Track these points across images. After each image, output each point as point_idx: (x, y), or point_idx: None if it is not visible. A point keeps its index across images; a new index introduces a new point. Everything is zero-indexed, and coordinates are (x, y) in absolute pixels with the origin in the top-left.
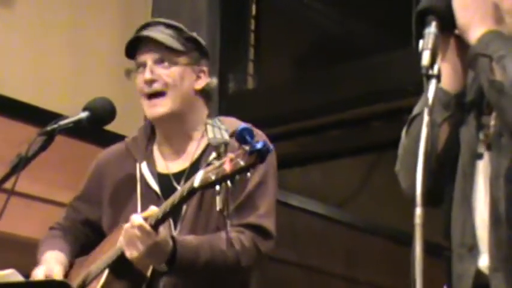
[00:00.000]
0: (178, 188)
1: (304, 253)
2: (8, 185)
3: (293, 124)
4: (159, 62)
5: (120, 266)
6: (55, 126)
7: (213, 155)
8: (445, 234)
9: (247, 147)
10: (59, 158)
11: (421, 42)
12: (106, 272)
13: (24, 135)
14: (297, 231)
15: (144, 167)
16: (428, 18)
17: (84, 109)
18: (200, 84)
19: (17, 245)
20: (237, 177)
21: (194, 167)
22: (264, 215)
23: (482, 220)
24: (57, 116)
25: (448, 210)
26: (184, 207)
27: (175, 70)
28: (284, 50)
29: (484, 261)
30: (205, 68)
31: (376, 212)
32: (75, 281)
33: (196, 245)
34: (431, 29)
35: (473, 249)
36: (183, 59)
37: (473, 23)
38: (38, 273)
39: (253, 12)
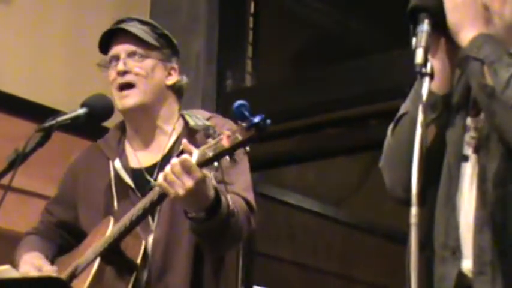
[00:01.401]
0: (150, 179)
1: (300, 251)
2: (4, 180)
3: (291, 122)
4: (131, 54)
5: (111, 254)
6: (53, 122)
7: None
8: (426, 235)
9: (244, 123)
10: (56, 154)
11: (413, 39)
12: (97, 260)
13: (22, 131)
14: (293, 229)
15: (117, 163)
16: (421, 16)
17: (82, 105)
18: (171, 80)
19: (13, 240)
20: (236, 152)
21: (165, 160)
22: (245, 189)
23: (466, 223)
24: (54, 112)
25: (430, 211)
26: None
27: (148, 63)
28: (282, 48)
29: (467, 264)
30: (176, 66)
31: (372, 210)
32: (63, 275)
33: (230, 203)
34: (425, 27)
35: (456, 252)
36: (155, 54)
37: (465, 24)
38: (29, 271)
39: (252, 10)
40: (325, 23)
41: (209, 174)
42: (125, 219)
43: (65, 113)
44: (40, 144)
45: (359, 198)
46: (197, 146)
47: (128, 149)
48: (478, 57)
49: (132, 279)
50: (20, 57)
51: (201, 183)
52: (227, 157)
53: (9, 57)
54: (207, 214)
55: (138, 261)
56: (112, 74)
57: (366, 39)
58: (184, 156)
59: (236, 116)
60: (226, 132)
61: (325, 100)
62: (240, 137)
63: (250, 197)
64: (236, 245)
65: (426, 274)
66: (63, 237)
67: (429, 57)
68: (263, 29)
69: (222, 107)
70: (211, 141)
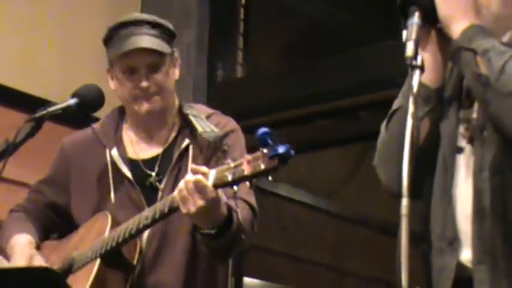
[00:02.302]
0: (151, 173)
1: (291, 243)
2: None
3: (281, 113)
4: (150, 67)
5: (111, 256)
6: (43, 112)
7: (186, 141)
8: (423, 227)
9: (267, 150)
10: (48, 145)
11: (404, 32)
12: (97, 262)
13: (12, 121)
14: (284, 221)
15: (114, 153)
16: (412, 8)
17: (73, 96)
18: (177, 74)
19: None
20: (254, 180)
21: (167, 153)
22: (249, 192)
23: (464, 213)
24: (45, 103)
25: (426, 203)
26: (160, 193)
27: (165, 71)
28: (273, 40)
29: (466, 255)
30: (177, 55)
31: (363, 202)
32: (55, 265)
33: (240, 219)
34: (415, 20)
35: (453, 243)
36: (168, 58)
37: (456, 16)
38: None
39: (243, 1)
40: (317, 14)
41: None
42: (130, 225)
43: (56, 104)
44: (31, 134)
45: (350, 190)
46: (194, 142)
47: (126, 139)
48: (471, 47)
49: (130, 280)
50: (11, 48)
51: (213, 203)
52: (247, 183)
53: (0, 47)
54: (218, 231)
55: (135, 262)
56: (129, 85)
57: (357, 30)
58: (198, 177)
59: (259, 143)
60: (248, 157)
61: (316, 91)
62: (262, 166)
63: (253, 200)
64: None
65: (424, 267)
66: (51, 218)
67: (420, 50)
68: (254, 20)
69: (213, 97)
70: (230, 164)
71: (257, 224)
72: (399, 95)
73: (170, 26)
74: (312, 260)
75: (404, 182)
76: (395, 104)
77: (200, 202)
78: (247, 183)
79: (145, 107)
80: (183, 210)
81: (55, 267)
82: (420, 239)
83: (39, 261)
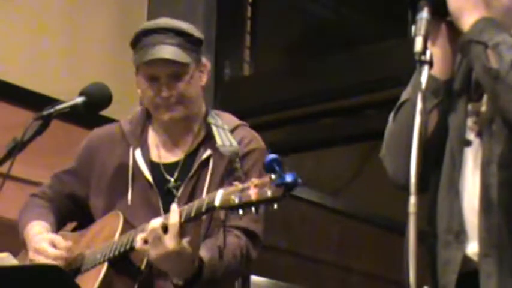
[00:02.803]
0: (170, 179)
1: (297, 241)
2: (3, 169)
3: (288, 111)
4: (171, 76)
5: (118, 260)
6: (51, 110)
7: (208, 152)
8: (429, 220)
9: (274, 177)
10: (55, 143)
11: (413, 27)
12: (105, 266)
13: (20, 119)
14: (290, 219)
15: (138, 153)
16: (421, 3)
17: (80, 94)
18: (204, 79)
19: (11, 229)
20: (261, 206)
21: (187, 161)
22: (256, 219)
23: (471, 206)
24: (53, 101)
25: (433, 196)
26: (176, 200)
27: (187, 80)
28: (280, 38)
29: (472, 248)
30: (204, 61)
31: (369, 200)
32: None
33: (214, 265)
34: (424, 15)
35: (460, 236)
36: (192, 66)
37: (466, 9)
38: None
39: None
40: (323, 12)
41: (191, 248)
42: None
43: (63, 102)
44: (38, 132)
45: (356, 188)
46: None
47: (151, 140)
48: (481, 40)
49: (136, 285)
50: (19, 47)
51: (175, 255)
52: (253, 209)
53: (8, 46)
54: (184, 283)
55: (143, 267)
56: (151, 92)
57: (364, 28)
58: (158, 224)
59: (267, 170)
60: (255, 181)
61: (323, 89)
62: (268, 193)
63: (260, 228)
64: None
65: (430, 260)
66: (70, 208)
67: (429, 44)
68: (261, 18)
69: (220, 96)
70: (238, 186)
71: (257, 250)
72: (408, 86)
73: (196, 32)
74: (318, 258)
75: (412, 179)
76: (404, 95)
77: (161, 250)
78: (253, 209)
79: (166, 115)
80: (151, 254)
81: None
82: (426, 237)
83: (59, 242)
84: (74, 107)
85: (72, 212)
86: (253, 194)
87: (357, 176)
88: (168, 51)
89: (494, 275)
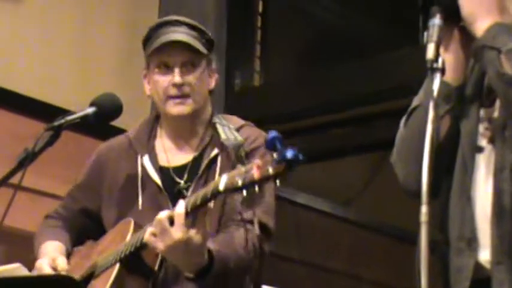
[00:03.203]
0: (179, 181)
1: (309, 251)
2: (14, 179)
3: (299, 121)
4: (185, 64)
5: (130, 260)
6: (62, 121)
7: (215, 150)
8: (441, 227)
9: (276, 155)
10: (66, 153)
11: (425, 34)
12: (117, 266)
13: (31, 130)
14: (301, 228)
15: (146, 160)
16: (433, 9)
17: (91, 105)
18: (212, 84)
19: (23, 239)
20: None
21: (196, 162)
22: (268, 211)
23: (483, 213)
24: (64, 112)
25: (445, 202)
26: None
27: (199, 72)
28: (291, 47)
29: (485, 255)
30: (215, 67)
31: (380, 210)
32: (79, 271)
33: (225, 257)
34: (436, 21)
35: (472, 243)
36: (204, 62)
37: (479, 14)
38: (43, 265)
39: (260, 9)
40: (333, 21)
41: (199, 238)
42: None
43: (74, 112)
44: (50, 143)
45: (367, 198)
46: (223, 153)
47: (158, 146)
48: (495, 46)
49: (150, 285)
50: (30, 57)
51: (182, 245)
52: (256, 188)
53: (19, 57)
54: (196, 276)
55: (156, 267)
56: (163, 81)
57: (374, 37)
58: (165, 216)
59: (268, 148)
60: (257, 162)
61: (334, 99)
62: (270, 171)
63: (272, 220)
64: (245, 276)
65: (442, 268)
66: (85, 224)
67: (441, 50)
68: (271, 28)
69: (231, 105)
70: (241, 169)
71: (269, 244)
72: (420, 92)
73: (209, 33)
74: (329, 267)
75: (423, 188)
76: (415, 101)
77: (168, 241)
78: (256, 188)
79: (175, 109)
80: (155, 247)
81: (78, 273)
82: (437, 246)
83: (62, 264)
84: (84, 118)
85: (87, 228)
86: (256, 173)
87: (368, 185)
88: (183, 36)
89: (506, 282)
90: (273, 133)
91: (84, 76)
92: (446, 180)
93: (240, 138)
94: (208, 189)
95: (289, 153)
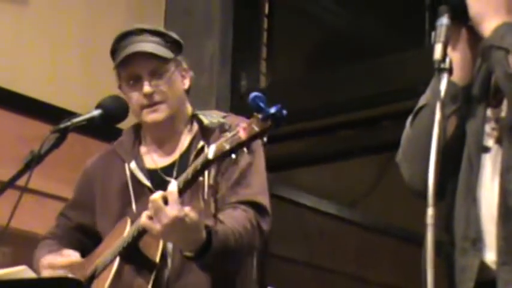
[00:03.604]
0: (171, 180)
1: (315, 253)
2: (21, 182)
3: (305, 123)
4: (153, 73)
5: (130, 253)
6: (68, 123)
7: (201, 143)
8: (446, 227)
9: (260, 114)
10: (72, 156)
11: (432, 34)
12: (117, 260)
13: (38, 132)
14: (307, 230)
15: (133, 165)
16: (441, 8)
17: (97, 107)
18: (186, 83)
19: (29, 242)
20: (253, 144)
21: (183, 158)
22: (259, 192)
23: (489, 214)
24: (70, 114)
25: (450, 203)
26: None
27: (168, 76)
28: (297, 49)
29: (490, 256)
30: (185, 66)
31: (387, 212)
32: (82, 272)
33: (224, 234)
34: (444, 21)
35: (476, 243)
36: (171, 65)
37: (487, 14)
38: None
39: (266, 10)
40: (339, 23)
41: (195, 214)
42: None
43: (80, 115)
44: (56, 145)
45: (374, 200)
46: (209, 143)
47: (143, 151)
48: (503, 45)
49: (152, 277)
50: (35, 59)
51: (178, 222)
52: (245, 149)
53: (24, 59)
54: (196, 255)
55: (157, 259)
56: (135, 94)
57: (380, 39)
58: (158, 196)
59: (252, 108)
60: (243, 124)
61: (340, 101)
62: (256, 128)
63: (265, 199)
64: (247, 256)
65: (447, 268)
66: (81, 240)
67: (449, 50)
68: (277, 29)
69: (237, 108)
70: (227, 135)
71: (268, 223)
72: (426, 91)
73: (174, 34)
74: (336, 269)
75: (429, 191)
76: (422, 101)
77: (164, 220)
78: (245, 149)
79: (150, 117)
80: (153, 229)
81: (81, 275)
82: (443, 247)
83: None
84: (91, 120)
85: (84, 244)
86: (242, 135)
87: (375, 187)
88: (145, 46)
89: None
90: (254, 93)
91: (91, 78)
92: (452, 181)
93: (222, 119)
94: (198, 161)
95: (273, 109)
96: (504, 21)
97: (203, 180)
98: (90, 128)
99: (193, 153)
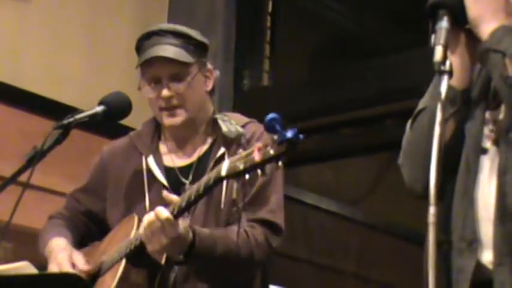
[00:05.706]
0: (185, 181)
1: (317, 251)
2: (23, 177)
3: (308, 121)
4: (173, 76)
5: (136, 255)
6: (71, 119)
7: (222, 150)
8: (444, 228)
9: (276, 136)
10: (75, 152)
11: (432, 37)
12: (123, 262)
13: (40, 128)
14: (309, 229)
15: (150, 160)
16: (440, 12)
17: (100, 103)
18: (209, 85)
19: (31, 237)
20: (267, 166)
21: (201, 162)
22: (275, 210)
23: (485, 215)
24: (73, 110)
25: (448, 204)
26: None
27: (189, 81)
28: (300, 48)
29: (487, 256)
30: (210, 67)
31: (388, 210)
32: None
33: (213, 237)
34: (443, 24)
35: (473, 244)
36: (194, 68)
37: (485, 17)
38: (63, 260)
39: (270, 9)
40: (343, 22)
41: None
42: None
43: (83, 111)
44: (58, 141)
45: (376, 198)
46: (230, 152)
47: (162, 147)
48: (499, 49)
49: (157, 280)
50: (38, 55)
51: (175, 240)
52: (258, 171)
53: (28, 55)
54: (184, 256)
55: (163, 262)
56: (154, 96)
57: (383, 38)
58: (169, 215)
59: (268, 129)
60: (258, 145)
61: (343, 100)
62: (271, 152)
63: (279, 217)
64: (249, 268)
65: (444, 268)
66: (88, 226)
67: (448, 53)
68: (281, 28)
69: (240, 106)
70: (242, 153)
71: (277, 241)
72: (425, 95)
73: (198, 36)
74: (337, 268)
75: (431, 189)
76: (421, 104)
77: (164, 241)
78: (259, 171)
79: (167, 121)
80: (149, 248)
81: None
82: (440, 247)
83: (78, 260)
84: (94, 116)
85: (90, 229)
86: (257, 156)
87: (376, 186)
88: (167, 50)
89: (508, 283)
90: (271, 115)
91: (94, 75)
92: (451, 182)
93: (241, 130)
94: (210, 175)
95: (290, 133)
96: (502, 24)
97: (221, 191)
98: (93, 125)
99: (213, 159)
